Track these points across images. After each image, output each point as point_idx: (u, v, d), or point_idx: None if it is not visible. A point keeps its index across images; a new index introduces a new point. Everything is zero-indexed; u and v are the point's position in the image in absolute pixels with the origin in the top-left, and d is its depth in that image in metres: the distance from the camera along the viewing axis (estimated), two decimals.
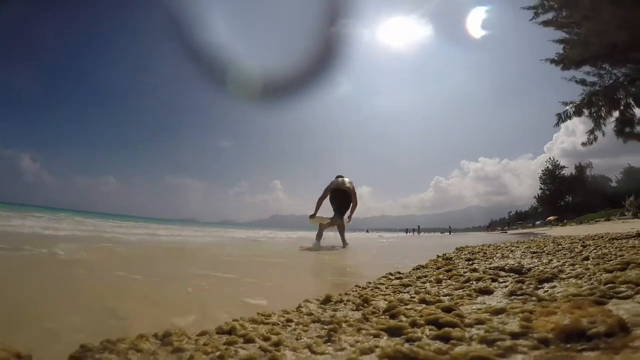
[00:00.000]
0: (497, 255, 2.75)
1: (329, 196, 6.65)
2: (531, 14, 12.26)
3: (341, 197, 6.62)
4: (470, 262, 2.34)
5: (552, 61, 13.21)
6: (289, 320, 1.06)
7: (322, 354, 0.80)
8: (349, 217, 6.71)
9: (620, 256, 1.72)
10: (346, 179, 6.74)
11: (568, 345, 0.61)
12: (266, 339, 0.87)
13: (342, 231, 6.56)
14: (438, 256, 2.99)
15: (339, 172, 8.20)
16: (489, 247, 3.91)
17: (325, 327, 0.97)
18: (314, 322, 1.05)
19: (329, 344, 0.86)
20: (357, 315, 1.11)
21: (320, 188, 6.83)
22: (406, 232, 42.71)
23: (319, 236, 6.42)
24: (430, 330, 0.86)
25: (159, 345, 0.82)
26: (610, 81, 12.88)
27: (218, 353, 0.76)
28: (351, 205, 6.69)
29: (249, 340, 0.86)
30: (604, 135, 14.38)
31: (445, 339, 0.78)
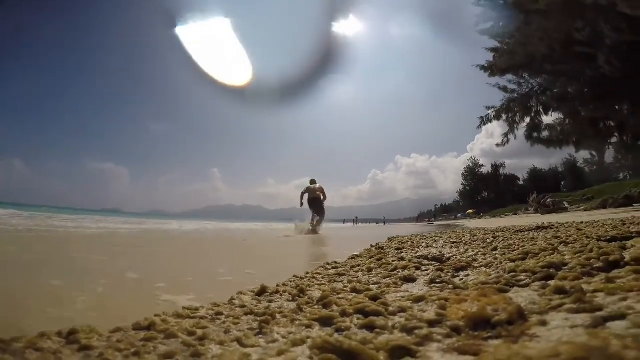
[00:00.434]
0: (422, 244, 3.00)
1: (307, 201, 9.36)
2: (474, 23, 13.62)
3: (315, 203, 9.30)
4: (399, 251, 2.51)
5: (482, 67, 14.83)
6: (219, 314, 1.02)
7: (252, 346, 0.77)
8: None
9: (522, 246, 1.98)
10: (316, 186, 9.48)
11: (476, 333, 0.68)
12: (191, 334, 0.81)
13: (320, 222, 9.14)
14: (372, 245, 3.15)
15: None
16: (416, 237, 4.25)
17: (258, 319, 0.95)
18: (246, 314, 1.02)
19: (260, 336, 0.84)
20: (293, 305, 1.10)
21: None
22: (343, 223, 44.10)
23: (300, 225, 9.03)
24: (358, 319, 0.89)
25: (63, 344, 0.72)
26: (527, 90, 14.95)
27: (133, 350, 0.69)
28: (323, 200, 9.48)
29: (170, 336, 0.79)
30: (515, 138, 16.81)
31: (371, 327, 0.81)
